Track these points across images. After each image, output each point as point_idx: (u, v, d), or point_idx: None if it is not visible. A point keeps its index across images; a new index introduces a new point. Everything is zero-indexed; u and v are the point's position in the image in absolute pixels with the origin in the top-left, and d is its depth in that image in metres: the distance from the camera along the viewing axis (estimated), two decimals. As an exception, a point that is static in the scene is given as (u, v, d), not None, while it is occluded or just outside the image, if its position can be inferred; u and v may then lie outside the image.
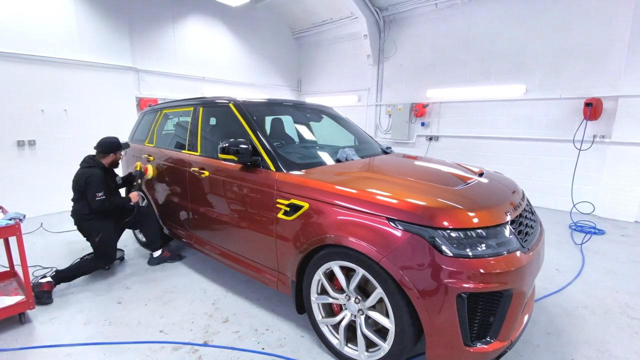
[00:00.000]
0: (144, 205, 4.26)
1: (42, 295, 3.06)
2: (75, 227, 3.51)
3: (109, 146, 3.59)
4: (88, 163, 3.49)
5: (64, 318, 2.86)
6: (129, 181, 3.99)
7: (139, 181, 3.91)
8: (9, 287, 3.04)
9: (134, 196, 3.68)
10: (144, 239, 4.28)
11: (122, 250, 4.10)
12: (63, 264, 3.80)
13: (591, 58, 5.77)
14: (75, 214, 3.46)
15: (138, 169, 3.91)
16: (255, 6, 8.90)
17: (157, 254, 3.90)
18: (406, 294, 1.85)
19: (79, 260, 3.50)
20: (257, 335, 2.64)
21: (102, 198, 3.34)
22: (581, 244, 4.53)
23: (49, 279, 3.20)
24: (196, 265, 3.91)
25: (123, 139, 4.84)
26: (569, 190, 6.11)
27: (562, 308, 3.04)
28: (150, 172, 3.93)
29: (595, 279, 3.60)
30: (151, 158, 4.01)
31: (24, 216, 2.79)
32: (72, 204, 3.48)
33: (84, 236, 3.53)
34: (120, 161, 3.82)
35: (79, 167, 3.49)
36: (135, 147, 4.47)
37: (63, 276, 3.28)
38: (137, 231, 4.53)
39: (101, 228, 3.44)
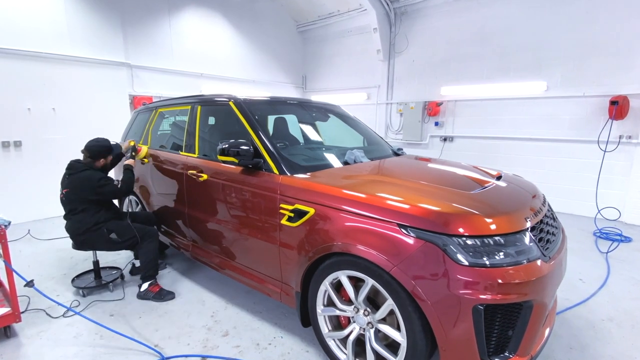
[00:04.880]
0: (140, 211, 4.12)
1: (162, 295, 3.39)
2: (74, 247, 3.38)
3: (99, 151, 3.38)
4: (78, 168, 3.27)
5: (52, 331, 2.89)
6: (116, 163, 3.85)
7: (132, 153, 3.71)
8: (-7, 298, 3.05)
9: (131, 162, 3.54)
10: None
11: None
12: (52, 273, 3.84)
13: (617, 53, 5.76)
14: (75, 229, 3.27)
15: (132, 144, 3.73)
16: (256, -3, 8.99)
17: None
18: (419, 305, 1.87)
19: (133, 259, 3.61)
20: (259, 350, 2.66)
21: (117, 183, 3.36)
22: (606, 253, 4.52)
23: (147, 282, 3.44)
24: (194, 274, 3.94)
25: (117, 139, 4.93)
26: (594, 194, 6.09)
27: (586, 321, 3.03)
28: (143, 152, 3.80)
29: (622, 289, 3.59)
30: (146, 161, 4.04)
31: (10, 222, 2.80)
32: (66, 221, 3.32)
33: (104, 249, 3.43)
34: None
35: (67, 175, 3.28)
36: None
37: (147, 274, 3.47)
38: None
39: (114, 224, 3.37)
